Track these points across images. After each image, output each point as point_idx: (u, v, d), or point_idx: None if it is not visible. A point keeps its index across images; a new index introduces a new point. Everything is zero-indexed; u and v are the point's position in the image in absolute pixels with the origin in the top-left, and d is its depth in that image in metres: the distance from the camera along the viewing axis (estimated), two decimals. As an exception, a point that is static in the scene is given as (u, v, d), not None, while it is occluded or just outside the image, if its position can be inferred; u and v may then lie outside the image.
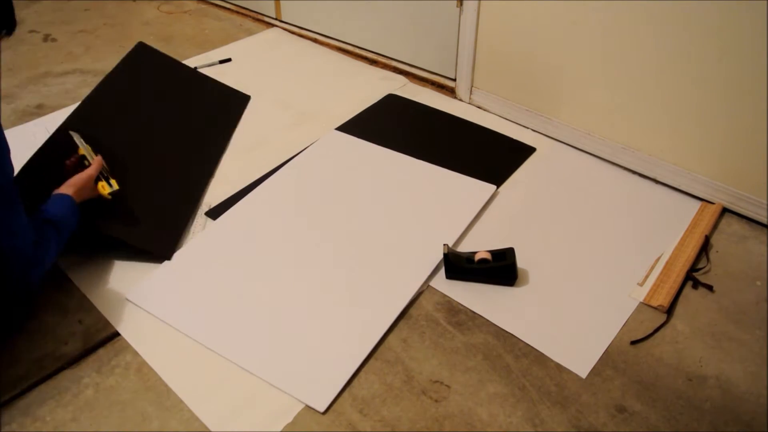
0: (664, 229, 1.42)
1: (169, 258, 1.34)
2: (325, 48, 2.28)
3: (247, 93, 1.95)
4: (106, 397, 1.08)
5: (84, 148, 1.34)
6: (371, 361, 1.14)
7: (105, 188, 1.29)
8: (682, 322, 1.21)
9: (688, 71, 1.40)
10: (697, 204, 1.50)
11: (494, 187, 1.54)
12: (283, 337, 1.18)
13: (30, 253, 1.08)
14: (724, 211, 1.48)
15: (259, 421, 1.04)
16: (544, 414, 1.05)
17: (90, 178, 1.28)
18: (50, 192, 1.22)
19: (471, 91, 1.89)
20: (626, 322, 1.21)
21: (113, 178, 1.31)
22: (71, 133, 1.37)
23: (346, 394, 1.08)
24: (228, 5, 2.62)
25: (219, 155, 1.67)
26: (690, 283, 1.30)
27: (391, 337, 1.19)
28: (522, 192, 1.55)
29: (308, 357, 1.14)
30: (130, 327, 1.20)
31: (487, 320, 1.22)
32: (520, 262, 1.31)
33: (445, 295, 1.27)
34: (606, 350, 1.16)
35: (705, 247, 1.37)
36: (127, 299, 1.25)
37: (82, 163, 1.32)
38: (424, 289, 1.28)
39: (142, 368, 1.13)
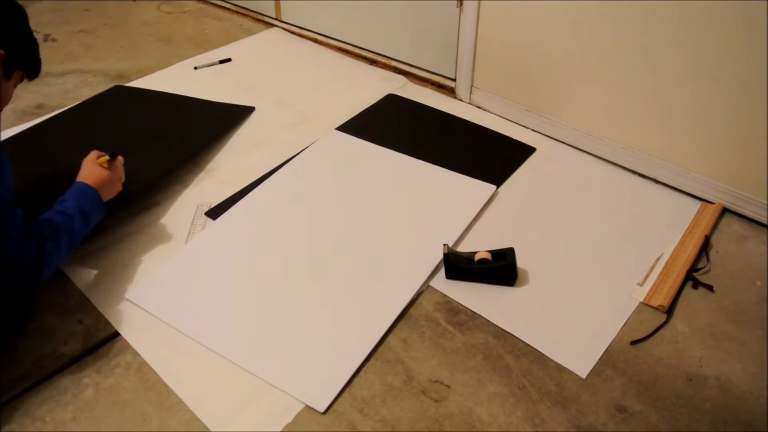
0: (664, 229, 1.42)
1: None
2: (325, 48, 2.28)
3: (248, 93, 1.95)
4: (106, 397, 1.08)
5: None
6: (371, 361, 1.14)
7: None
8: (682, 322, 1.21)
9: (688, 71, 1.40)
10: (697, 204, 1.50)
11: (494, 187, 1.54)
12: (283, 337, 1.18)
13: (26, 267, 1.06)
14: (724, 211, 1.48)
15: (259, 421, 1.04)
16: (544, 414, 1.05)
17: (117, 178, 1.31)
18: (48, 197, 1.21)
19: (471, 91, 1.89)
20: (626, 322, 1.21)
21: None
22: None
23: (346, 394, 1.08)
24: (228, 5, 2.62)
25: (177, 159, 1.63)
26: (690, 283, 1.30)
27: (391, 337, 1.19)
28: (522, 192, 1.55)
29: (308, 357, 1.14)
30: (130, 327, 1.20)
31: (487, 320, 1.22)
32: (520, 262, 1.31)
33: (445, 295, 1.27)
34: (606, 350, 1.16)
35: (705, 247, 1.37)
36: (127, 299, 1.25)
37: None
38: (424, 289, 1.28)
39: (142, 368, 1.13)
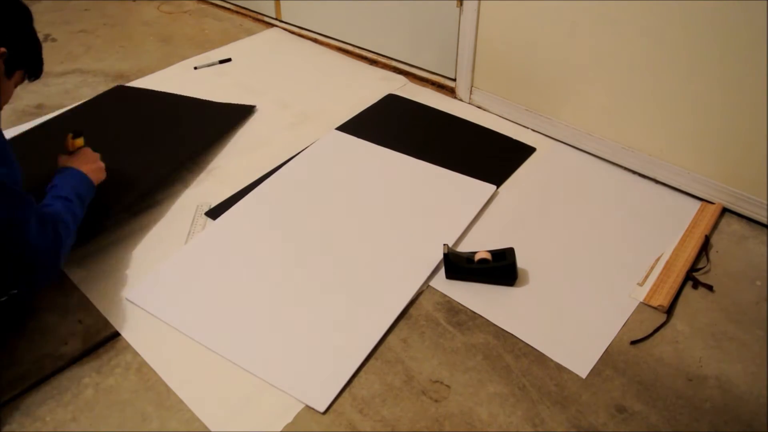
0: (664, 229, 1.42)
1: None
2: (325, 48, 2.28)
3: (248, 93, 1.95)
4: (106, 397, 1.08)
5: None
6: (371, 361, 1.14)
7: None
8: (682, 322, 1.22)
9: (688, 71, 1.40)
10: (697, 204, 1.50)
11: (494, 187, 1.54)
12: (283, 337, 1.18)
13: (48, 254, 1.07)
14: (724, 211, 1.48)
15: (259, 421, 1.04)
16: (544, 414, 1.05)
17: (95, 158, 1.34)
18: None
19: (471, 91, 1.89)
20: (626, 322, 1.21)
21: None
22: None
23: (346, 394, 1.08)
24: (228, 5, 2.62)
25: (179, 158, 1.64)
26: (690, 283, 1.30)
27: (391, 337, 1.19)
28: (522, 192, 1.55)
29: (308, 357, 1.14)
30: (130, 327, 1.20)
31: (487, 320, 1.22)
32: (520, 262, 1.31)
33: (445, 295, 1.27)
34: (606, 350, 1.16)
35: (705, 247, 1.37)
36: (127, 299, 1.25)
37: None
38: (424, 289, 1.28)
39: (142, 368, 1.13)
